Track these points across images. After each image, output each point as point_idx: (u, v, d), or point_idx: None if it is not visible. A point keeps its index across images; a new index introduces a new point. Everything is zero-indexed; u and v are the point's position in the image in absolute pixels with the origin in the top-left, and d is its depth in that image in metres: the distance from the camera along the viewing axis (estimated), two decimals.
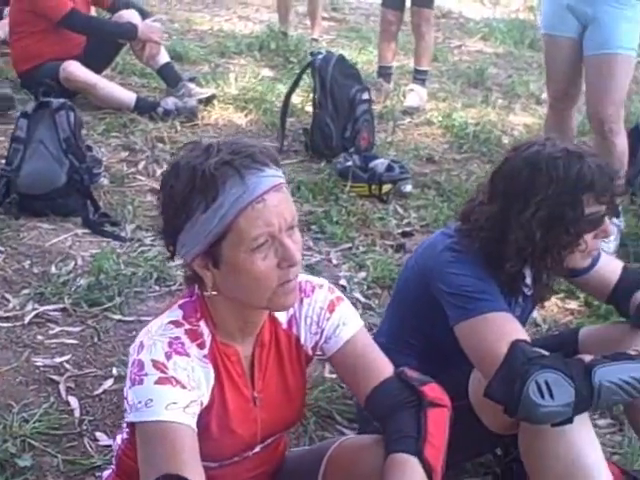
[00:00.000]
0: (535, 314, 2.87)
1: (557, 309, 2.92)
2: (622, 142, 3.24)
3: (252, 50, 5.88)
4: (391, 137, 4.31)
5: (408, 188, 3.61)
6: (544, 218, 1.69)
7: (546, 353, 1.66)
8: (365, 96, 3.88)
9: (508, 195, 1.74)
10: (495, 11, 9.10)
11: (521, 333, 1.69)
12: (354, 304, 2.70)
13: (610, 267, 2.00)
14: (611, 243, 3.29)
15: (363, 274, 2.90)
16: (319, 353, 1.57)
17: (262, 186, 1.30)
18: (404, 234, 3.26)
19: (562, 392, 1.57)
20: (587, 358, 1.65)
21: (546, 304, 2.90)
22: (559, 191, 1.68)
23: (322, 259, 3.00)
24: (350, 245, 3.12)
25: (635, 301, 1.91)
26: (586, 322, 2.73)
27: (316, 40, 6.23)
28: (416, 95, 4.89)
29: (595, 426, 2.25)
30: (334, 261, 3.00)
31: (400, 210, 3.50)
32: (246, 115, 4.34)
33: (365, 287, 2.81)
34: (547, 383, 1.57)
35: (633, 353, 1.69)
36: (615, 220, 3.33)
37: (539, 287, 1.83)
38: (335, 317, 1.53)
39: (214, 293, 1.38)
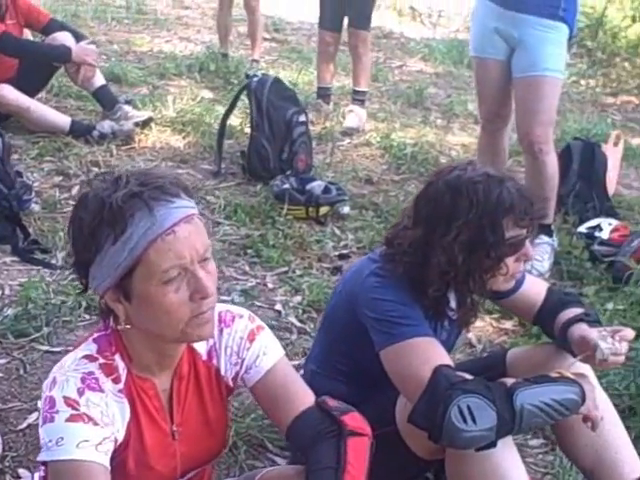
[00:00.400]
0: (470, 334, 2.89)
1: (492, 329, 2.94)
2: (552, 162, 3.30)
3: (192, 72, 5.85)
4: (330, 158, 4.32)
5: (346, 210, 3.62)
6: (465, 242, 1.70)
7: (470, 377, 1.67)
8: (302, 118, 3.88)
9: (431, 219, 1.75)
10: (435, 31, 9.26)
11: (445, 358, 1.69)
12: (289, 329, 2.71)
13: (535, 288, 2.02)
14: (545, 262, 3.35)
15: (299, 298, 2.89)
16: (240, 383, 1.55)
17: (172, 218, 1.28)
18: (341, 256, 3.26)
19: (484, 416, 1.57)
20: (509, 382, 1.66)
21: (481, 324, 2.94)
22: (479, 215, 1.70)
23: (258, 283, 2.98)
24: (286, 269, 3.10)
25: (559, 322, 1.93)
26: (520, 342, 2.76)
27: (256, 61, 6.22)
28: (355, 116, 4.91)
29: (527, 446, 2.29)
30: (270, 285, 2.98)
31: (338, 232, 3.50)
32: (184, 138, 4.31)
33: (300, 311, 2.80)
34: (469, 408, 1.57)
35: (555, 375, 1.71)
36: (548, 239, 3.39)
37: (463, 311, 1.84)
38: (255, 347, 1.51)
39: (127, 326, 1.36)
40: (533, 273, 3.26)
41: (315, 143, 4.60)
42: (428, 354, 1.68)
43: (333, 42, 4.90)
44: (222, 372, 1.51)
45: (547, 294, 2.01)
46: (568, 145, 3.96)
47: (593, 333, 1.78)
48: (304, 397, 1.50)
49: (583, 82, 7.97)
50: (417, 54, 8.25)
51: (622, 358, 1.76)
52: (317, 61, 5.10)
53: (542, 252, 3.36)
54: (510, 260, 1.75)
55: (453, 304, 1.84)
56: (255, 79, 3.84)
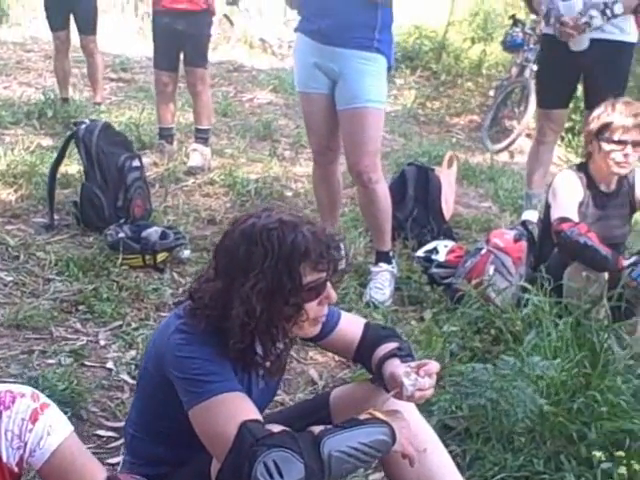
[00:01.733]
0: (312, 370, 2.88)
1: (334, 363, 2.93)
2: (383, 190, 3.36)
3: (31, 119, 5.64)
4: (171, 200, 4.24)
5: (186, 254, 3.54)
6: (264, 291, 1.67)
7: (278, 429, 1.63)
8: (135, 163, 3.78)
9: (229, 270, 1.71)
10: (284, 62, 9.34)
11: (252, 412, 1.65)
12: (120, 387, 2.60)
13: (352, 327, 2.01)
14: (386, 289, 3.38)
15: (133, 353, 2.79)
16: (26, 467, 1.45)
17: None
18: (179, 303, 3.16)
19: (291, 470, 1.54)
20: (317, 429, 1.63)
21: (322, 359, 2.93)
22: (275, 262, 1.67)
23: (89, 341, 2.85)
24: (121, 322, 2.99)
25: (375, 358, 1.93)
26: (361, 376, 2.76)
27: (99, 104, 6.07)
28: (199, 155, 4.86)
29: None
30: (102, 342, 2.86)
31: (177, 278, 3.42)
32: (16, 191, 4.11)
33: (134, 367, 2.69)
34: (276, 463, 1.53)
35: (365, 417, 1.70)
36: (388, 266, 3.44)
37: (271, 360, 1.80)
38: (39, 427, 1.42)
39: None
40: (375, 301, 3.30)
41: (158, 185, 4.53)
42: (234, 410, 1.63)
43: (170, 82, 4.83)
44: (4, 459, 1.41)
45: (364, 331, 2.01)
46: (403, 171, 4.05)
47: (400, 369, 1.79)
48: (94, 474, 1.42)
49: (429, 104, 8.23)
50: (268, 86, 8.29)
51: (429, 392, 1.77)
52: (156, 102, 5.02)
53: (383, 280, 3.40)
54: (312, 305, 1.73)
55: (262, 353, 1.80)
56: (82, 126, 3.72)
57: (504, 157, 6.62)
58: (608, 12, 3.48)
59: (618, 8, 3.49)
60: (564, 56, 3.66)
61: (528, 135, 6.71)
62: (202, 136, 4.93)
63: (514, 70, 6.88)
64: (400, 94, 8.48)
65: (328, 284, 1.76)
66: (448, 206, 4.16)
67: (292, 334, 1.76)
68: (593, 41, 3.57)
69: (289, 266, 1.67)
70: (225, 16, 10.16)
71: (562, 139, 6.63)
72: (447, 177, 4.23)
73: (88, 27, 5.89)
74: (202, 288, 1.77)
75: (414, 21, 10.28)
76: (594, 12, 3.47)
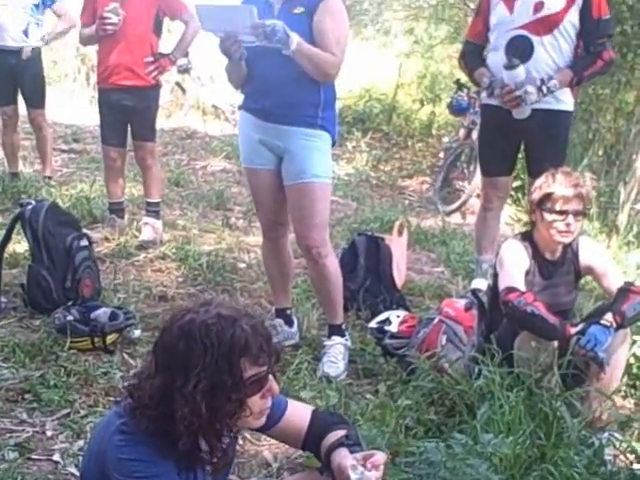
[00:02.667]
0: (265, 452, 2.83)
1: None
2: (333, 263, 3.37)
3: None
4: (122, 277, 4.19)
5: (136, 334, 3.49)
6: (206, 389, 1.65)
7: None
8: (83, 242, 3.75)
9: (169, 367, 1.69)
10: (237, 128, 9.40)
11: None
12: None
13: (299, 414, 1.99)
14: (340, 363, 3.37)
15: (80, 443, 2.70)
16: None
17: None
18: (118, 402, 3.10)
19: None
20: None
21: (276, 441, 2.88)
22: (215, 359, 1.65)
23: (35, 432, 2.77)
24: (69, 410, 2.91)
25: (324, 447, 1.90)
26: (314, 459, 2.71)
27: (49, 178, 6.03)
28: (150, 228, 4.83)
29: None
30: (49, 433, 2.77)
31: (128, 359, 3.36)
32: None
33: (81, 458, 2.61)
34: None
35: None
36: (341, 339, 3.43)
37: (217, 455, 1.76)
38: None
39: None
40: (329, 376, 3.28)
41: (109, 261, 4.48)
42: None
43: (119, 157, 4.82)
44: None
45: (312, 418, 1.99)
46: (353, 241, 4.07)
47: (347, 461, 1.77)
48: None
49: (381, 167, 8.35)
50: (221, 153, 8.34)
51: None
52: (105, 177, 4.99)
53: (336, 353, 3.39)
54: (255, 399, 1.71)
55: (207, 449, 1.76)
56: (29, 207, 3.68)
57: (456, 218, 6.71)
58: (544, 88, 3.59)
59: (554, 85, 3.60)
60: (505, 125, 3.75)
61: (478, 195, 6.83)
62: (153, 209, 4.91)
63: (462, 132, 7.02)
64: (352, 157, 8.59)
65: (270, 377, 1.74)
66: (400, 274, 4.18)
67: (237, 427, 1.73)
68: (533, 110, 3.67)
69: (229, 362, 1.65)
70: (177, 84, 10.26)
71: (511, 197, 6.75)
72: (398, 245, 4.26)
73: (36, 101, 5.87)
74: (142, 386, 1.73)
75: (364, 84, 10.50)
76: (530, 88, 3.57)
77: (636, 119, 7.68)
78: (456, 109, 6.94)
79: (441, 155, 8.09)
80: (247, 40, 3.04)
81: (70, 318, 3.37)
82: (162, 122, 8.78)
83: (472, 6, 7.65)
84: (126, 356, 3.39)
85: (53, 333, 3.39)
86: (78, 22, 5.04)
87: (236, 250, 4.84)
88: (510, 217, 6.84)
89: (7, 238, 3.76)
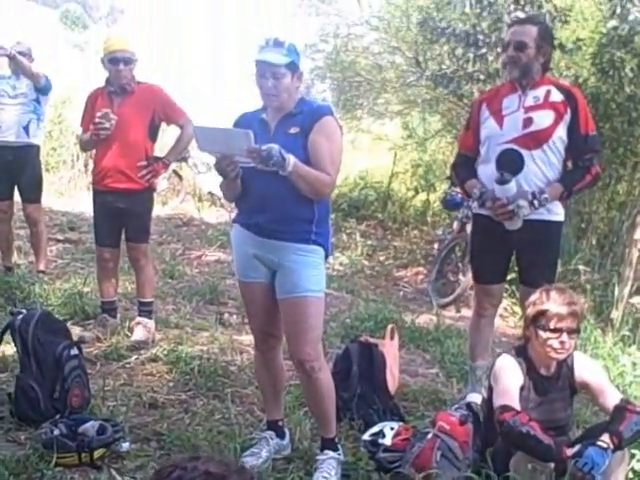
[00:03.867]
0: None
1: None
2: (326, 377, 3.32)
3: None
4: (112, 383, 4.12)
5: (125, 447, 3.41)
6: None
7: None
8: (74, 351, 3.70)
9: None
10: (232, 216, 9.48)
11: None
12: None
13: None
14: (332, 478, 3.29)
15: None
16: None
17: None
18: None
19: None
20: None
21: None
22: None
23: None
24: None
25: None
26: None
27: (43, 272, 6.02)
28: (142, 328, 4.80)
29: None
30: None
31: (115, 475, 3.27)
32: None
33: None
34: None
35: None
36: (334, 453, 3.37)
37: None
38: None
39: None
40: None
41: (100, 364, 4.43)
42: None
43: (112, 258, 4.83)
44: None
45: None
46: (347, 348, 4.03)
47: None
48: None
49: (376, 256, 8.38)
50: (216, 242, 8.38)
51: None
52: (97, 276, 4.97)
53: (329, 468, 3.32)
54: None
55: None
56: (19, 317, 3.65)
57: (451, 311, 6.70)
58: (536, 202, 3.63)
59: (545, 199, 3.64)
60: (497, 235, 3.78)
61: (472, 287, 6.84)
62: (146, 309, 4.88)
63: (456, 225, 7.07)
64: (347, 246, 8.64)
65: None
66: (394, 379, 4.13)
67: None
68: (524, 221, 3.70)
69: None
70: (174, 171, 10.39)
71: (506, 290, 6.76)
72: (390, 349, 4.23)
73: (32, 196, 5.92)
74: None
75: (359, 172, 10.66)
76: (522, 202, 3.61)
77: (628, 211, 7.77)
78: (450, 204, 7.01)
79: (435, 246, 8.13)
80: (243, 161, 3.07)
81: (57, 433, 3.29)
82: (158, 209, 8.85)
83: (465, 101, 7.82)
84: (113, 472, 3.29)
85: (40, 448, 3.31)
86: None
87: (229, 351, 4.79)
88: (505, 309, 6.84)
89: None
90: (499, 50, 7.18)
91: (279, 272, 3.25)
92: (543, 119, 3.67)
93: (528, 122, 3.69)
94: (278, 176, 3.08)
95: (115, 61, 4.55)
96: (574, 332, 3.07)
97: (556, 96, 3.70)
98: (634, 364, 5.23)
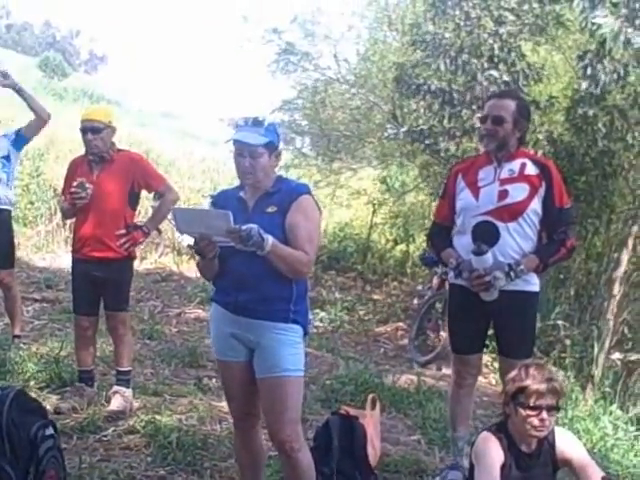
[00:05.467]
0: None
1: None
2: (306, 457, 3.27)
3: None
4: (89, 459, 4.04)
5: None
6: None
7: None
8: (49, 431, 3.61)
9: None
10: None
11: None
12: None
13: None
14: None
15: None
16: None
17: None
18: None
19: None
20: None
21: None
22: None
23: None
24: None
25: None
26: None
27: (18, 337, 5.94)
28: (120, 397, 4.72)
29: None
30: None
31: None
32: None
33: None
34: None
35: None
36: None
37: None
38: None
39: None
40: None
41: (76, 437, 4.34)
42: None
43: (90, 326, 4.77)
44: None
45: None
46: (327, 421, 3.99)
47: None
48: None
49: (355, 313, 8.35)
50: (195, 298, 8.34)
51: None
52: (75, 344, 4.90)
53: None
54: None
55: None
56: None
57: (432, 369, 6.67)
58: (512, 274, 3.65)
59: (521, 271, 3.67)
60: (473, 306, 3.78)
61: None
62: (123, 378, 4.81)
63: (435, 282, 7.09)
64: (327, 300, 8.61)
65: None
66: (375, 451, 4.09)
67: None
68: (500, 292, 3.71)
69: None
70: None
71: (486, 347, 6.76)
72: (371, 420, 4.19)
73: (4, 261, 5.80)
74: None
75: (338, 225, 10.69)
76: (499, 274, 3.63)
77: (605, 263, 7.84)
78: (428, 261, 7.03)
79: (415, 301, 8.14)
80: (221, 240, 3.07)
81: None
82: (136, 264, 8.80)
83: (442, 154, 7.89)
84: None
85: None
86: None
87: (207, 420, 4.73)
88: (485, 365, 6.83)
89: None
90: (474, 108, 7.30)
91: (257, 351, 3.23)
92: (518, 192, 3.71)
93: (503, 195, 3.72)
94: (256, 255, 3.08)
95: (84, 131, 4.59)
96: (554, 409, 3.06)
97: (531, 169, 3.75)
98: (615, 426, 5.23)
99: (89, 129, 4.56)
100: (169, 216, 10.13)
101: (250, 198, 3.24)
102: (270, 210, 3.18)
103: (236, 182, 3.42)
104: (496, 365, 6.71)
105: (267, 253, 3.06)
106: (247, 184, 3.25)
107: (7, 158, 5.73)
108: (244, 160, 3.19)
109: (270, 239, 3.05)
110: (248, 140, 3.15)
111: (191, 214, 3.13)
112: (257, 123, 3.20)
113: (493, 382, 6.49)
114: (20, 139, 5.75)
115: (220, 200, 3.35)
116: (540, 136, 7.23)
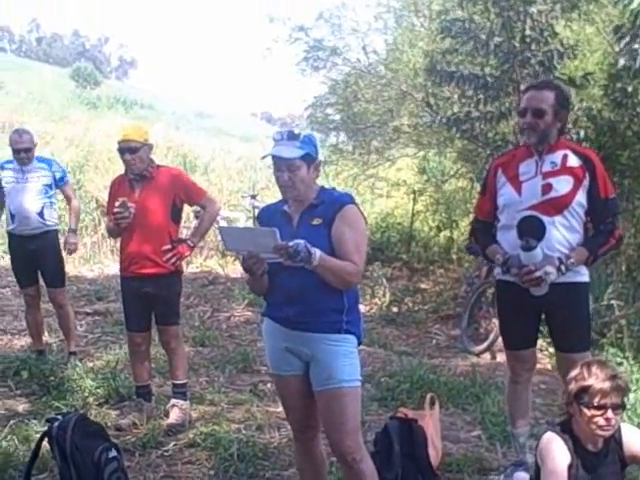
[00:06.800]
0: None
1: None
2: (369, 466, 3.26)
3: (6, 378, 5.56)
4: (152, 476, 4.09)
5: None
6: None
7: None
8: (112, 454, 3.67)
9: None
10: None
11: None
12: None
13: None
14: None
15: None
16: None
17: None
18: None
19: None
20: None
21: None
22: None
23: None
24: None
25: None
26: None
27: (74, 353, 6.04)
28: (178, 410, 4.77)
29: None
30: None
31: None
32: None
33: None
34: None
35: None
36: None
37: None
38: None
39: None
40: None
41: (138, 454, 4.39)
42: None
43: (143, 342, 4.82)
44: None
45: None
46: (386, 426, 3.95)
47: None
48: None
49: (404, 304, 8.29)
50: (243, 301, 8.37)
51: None
52: (130, 360, 4.97)
53: None
54: None
55: None
56: (56, 424, 3.63)
57: (486, 358, 6.60)
58: (563, 268, 3.57)
59: (571, 264, 3.58)
60: (523, 301, 3.70)
61: None
62: (180, 390, 4.85)
63: (484, 270, 6.99)
64: (373, 292, 8.57)
65: None
66: (436, 452, 4.06)
67: None
68: (551, 285, 3.63)
69: None
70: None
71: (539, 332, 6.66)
72: (431, 419, 4.16)
73: (56, 281, 5.97)
74: None
75: (380, 215, 10.62)
76: (550, 268, 3.55)
77: None
78: (474, 251, 6.92)
79: (463, 287, 8.05)
80: (269, 256, 3.05)
81: None
82: (185, 270, 8.89)
83: (480, 139, 7.76)
84: None
85: None
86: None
87: (266, 427, 4.74)
88: (539, 349, 6.72)
89: (34, 456, 3.71)
90: (509, 90, 7.16)
91: (312, 364, 3.22)
92: (562, 185, 3.62)
93: (547, 188, 3.64)
94: (305, 269, 3.06)
95: (121, 152, 4.63)
96: (619, 407, 2.99)
97: (573, 161, 3.65)
98: None
99: (126, 149, 4.58)
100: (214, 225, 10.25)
101: (294, 211, 3.23)
102: (315, 222, 3.16)
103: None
104: (551, 350, 6.63)
105: (315, 267, 3.04)
106: (288, 198, 3.24)
107: (49, 186, 5.96)
108: (283, 174, 3.17)
109: (318, 253, 3.03)
110: (284, 154, 3.13)
111: (237, 232, 3.13)
112: (293, 136, 3.17)
113: (549, 367, 6.38)
114: (59, 182, 6.05)
115: (265, 215, 3.34)
116: (580, 113, 7.06)
